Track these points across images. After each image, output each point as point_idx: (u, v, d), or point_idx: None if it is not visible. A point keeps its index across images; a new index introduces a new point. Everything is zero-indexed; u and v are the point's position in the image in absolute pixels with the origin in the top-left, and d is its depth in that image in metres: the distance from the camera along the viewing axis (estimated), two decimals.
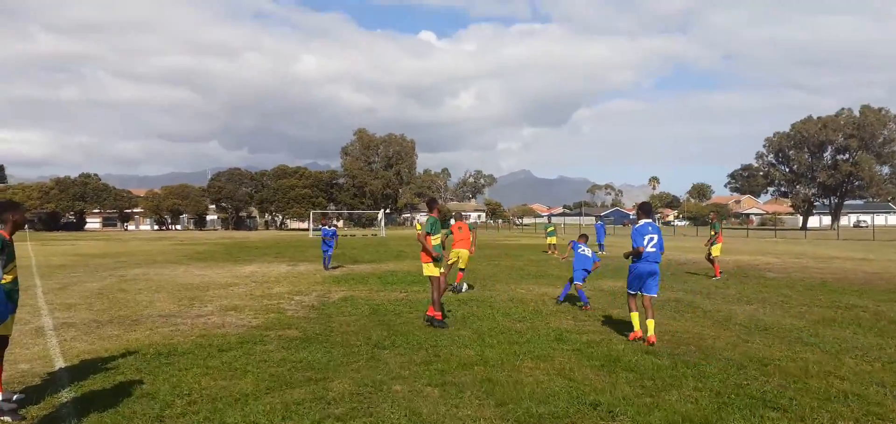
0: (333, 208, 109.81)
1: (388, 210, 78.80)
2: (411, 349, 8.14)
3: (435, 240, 10.09)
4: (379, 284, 15.99)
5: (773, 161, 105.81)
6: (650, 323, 8.59)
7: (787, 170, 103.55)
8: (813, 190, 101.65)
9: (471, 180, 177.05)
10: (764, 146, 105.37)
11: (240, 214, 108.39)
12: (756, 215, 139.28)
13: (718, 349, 8.11)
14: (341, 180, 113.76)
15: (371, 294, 13.72)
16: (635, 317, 8.88)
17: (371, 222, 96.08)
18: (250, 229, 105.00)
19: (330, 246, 21.27)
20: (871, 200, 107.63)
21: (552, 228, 32.33)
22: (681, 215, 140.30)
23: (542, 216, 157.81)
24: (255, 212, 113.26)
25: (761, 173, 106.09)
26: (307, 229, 79.23)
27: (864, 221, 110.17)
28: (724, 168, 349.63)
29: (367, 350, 8.10)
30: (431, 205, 11.03)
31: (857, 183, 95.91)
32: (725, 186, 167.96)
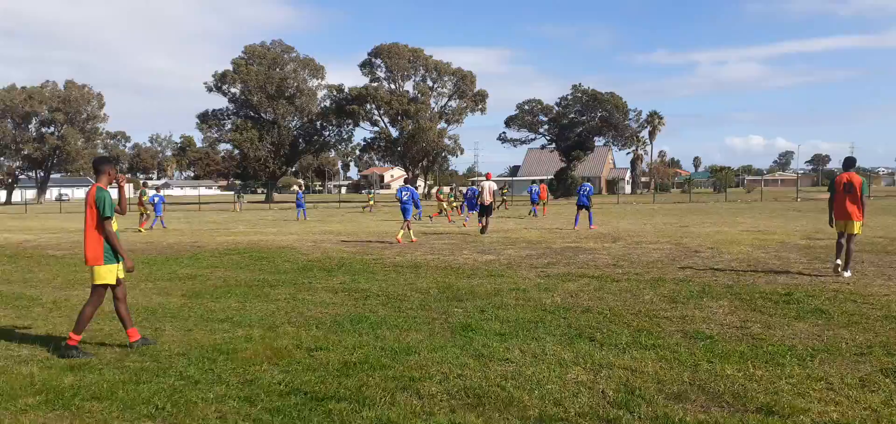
0: None
1: None
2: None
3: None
4: None
5: None
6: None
7: None
8: (18, 163, 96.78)
9: None
10: None
11: None
12: None
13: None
14: None
15: None
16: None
17: None
18: None
19: None
20: (70, 173, 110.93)
21: None
22: None
23: None
24: None
25: None
26: None
27: (67, 194, 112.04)
28: None
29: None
30: (99, 168, 6.43)
31: (63, 157, 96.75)
32: None
